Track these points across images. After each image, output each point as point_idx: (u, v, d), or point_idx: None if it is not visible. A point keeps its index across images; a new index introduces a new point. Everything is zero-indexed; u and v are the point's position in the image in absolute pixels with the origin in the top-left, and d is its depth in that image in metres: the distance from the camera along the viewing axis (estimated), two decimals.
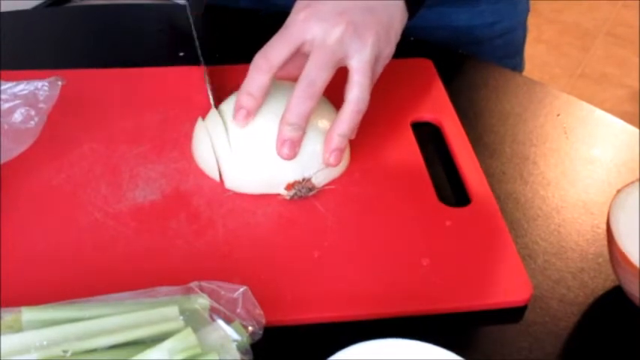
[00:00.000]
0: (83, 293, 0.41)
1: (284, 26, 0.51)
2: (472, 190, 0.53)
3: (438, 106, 0.61)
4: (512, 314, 0.46)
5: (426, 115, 0.60)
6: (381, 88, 0.61)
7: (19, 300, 0.40)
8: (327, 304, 0.45)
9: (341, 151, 0.51)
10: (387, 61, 0.54)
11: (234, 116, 0.51)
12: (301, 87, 0.49)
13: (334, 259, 0.48)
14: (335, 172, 0.53)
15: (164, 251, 0.47)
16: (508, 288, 0.47)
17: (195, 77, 0.62)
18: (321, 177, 0.52)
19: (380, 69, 0.54)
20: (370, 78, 0.51)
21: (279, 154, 0.50)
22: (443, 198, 0.53)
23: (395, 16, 0.54)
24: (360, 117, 0.51)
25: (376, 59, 0.52)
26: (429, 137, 0.59)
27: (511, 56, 0.81)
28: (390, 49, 0.54)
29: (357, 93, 0.50)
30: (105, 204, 0.50)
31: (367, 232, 0.50)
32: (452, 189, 0.54)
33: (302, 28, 0.50)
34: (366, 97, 0.51)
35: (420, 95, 0.62)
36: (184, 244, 0.48)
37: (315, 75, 0.49)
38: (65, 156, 0.53)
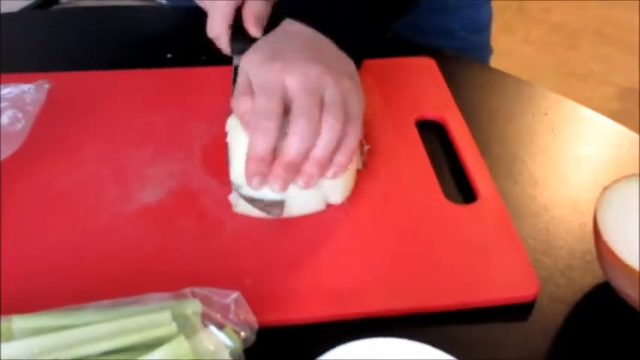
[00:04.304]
0: (88, 296, 0.40)
1: (261, 85, 0.48)
2: (478, 187, 0.54)
3: (441, 104, 0.61)
4: (503, 312, 0.46)
5: (430, 113, 0.61)
6: (385, 86, 0.61)
7: (21, 304, 0.40)
8: (331, 302, 0.45)
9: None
10: (358, 123, 0.49)
11: (247, 181, 0.47)
12: (301, 123, 0.46)
13: (340, 256, 0.48)
14: (350, 188, 0.52)
15: (170, 252, 0.47)
16: (516, 283, 0.47)
17: (194, 79, 0.62)
18: (339, 197, 0.51)
19: (353, 128, 0.48)
20: (341, 122, 0.47)
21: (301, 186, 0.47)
22: (449, 195, 0.53)
23: (357, 75, 0.51)
24: (333, 145, 0.46)
25: (346, 114, 0.47)
26: (433, 135, 0.59)
27: (475, 32, 0.82)
28: (358, 106, 0.49)
29: (330, 121, 0.46)
30: (112, 205, 0.50)
31: (373, 230, 0.50)
32: (457, 186, 0.55)
33: (281, 77, 0.47)
34: (335, 127, 0.46)
35: (423, 94, 0.63)
36: (189, 244, 0.48)
37: (309, 111, 0.46)
38: (62, 156, 0.54)
